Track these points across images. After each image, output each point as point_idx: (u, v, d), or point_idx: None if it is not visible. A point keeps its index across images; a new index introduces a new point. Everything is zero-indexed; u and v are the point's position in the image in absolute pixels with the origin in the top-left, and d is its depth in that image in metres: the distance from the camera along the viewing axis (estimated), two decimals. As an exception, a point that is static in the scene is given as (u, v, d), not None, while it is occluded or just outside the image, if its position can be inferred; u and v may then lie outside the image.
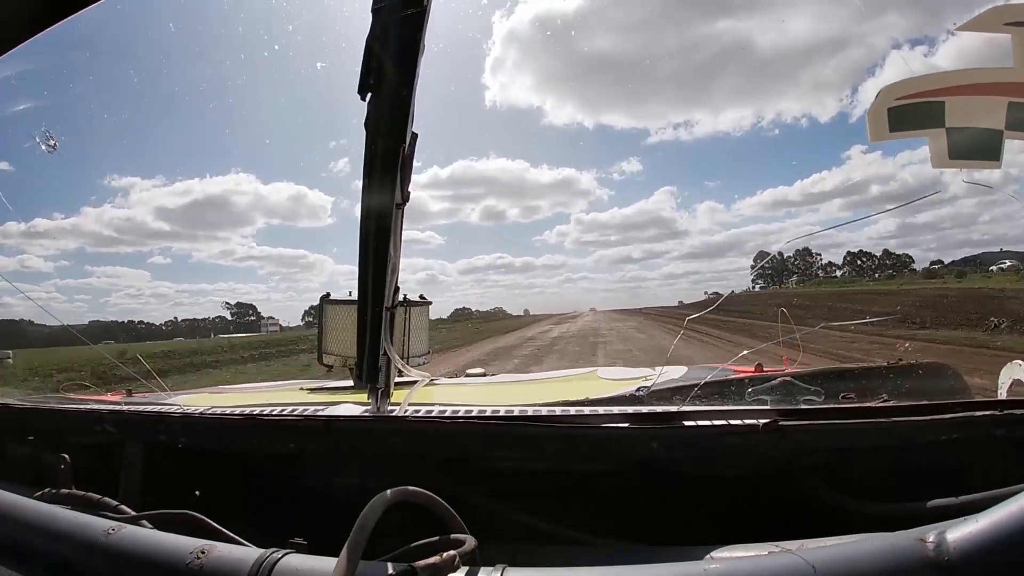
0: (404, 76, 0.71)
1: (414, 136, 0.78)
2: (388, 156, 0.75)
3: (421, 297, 1.16)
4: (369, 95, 0.74)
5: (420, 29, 0.71)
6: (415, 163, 0.79)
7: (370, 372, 0.88)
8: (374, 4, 0.70)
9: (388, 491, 0.58)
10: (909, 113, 1.03)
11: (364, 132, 0.76)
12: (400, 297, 0.86)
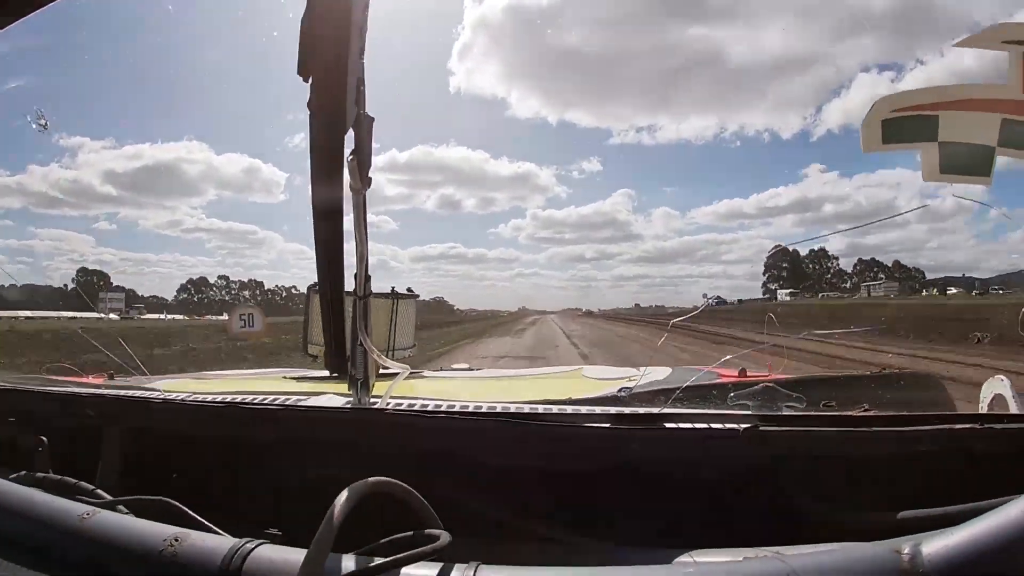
0: (341, 57, 0.68)
1: (369, 119, 0.75)
2: (330, 139, 0.73)
3: (408, 290, 1.16)
4: (311, 77, 0.70)
5: (358, 9, 0.68)
6: (374, 145, 0.76)
7: (336, 361, 0.87)
8: None
9: (358, 483, 0.58)
10: (903, 126, 1.04)
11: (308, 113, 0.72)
12: (387, 290, 0.85)
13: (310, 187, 0.76)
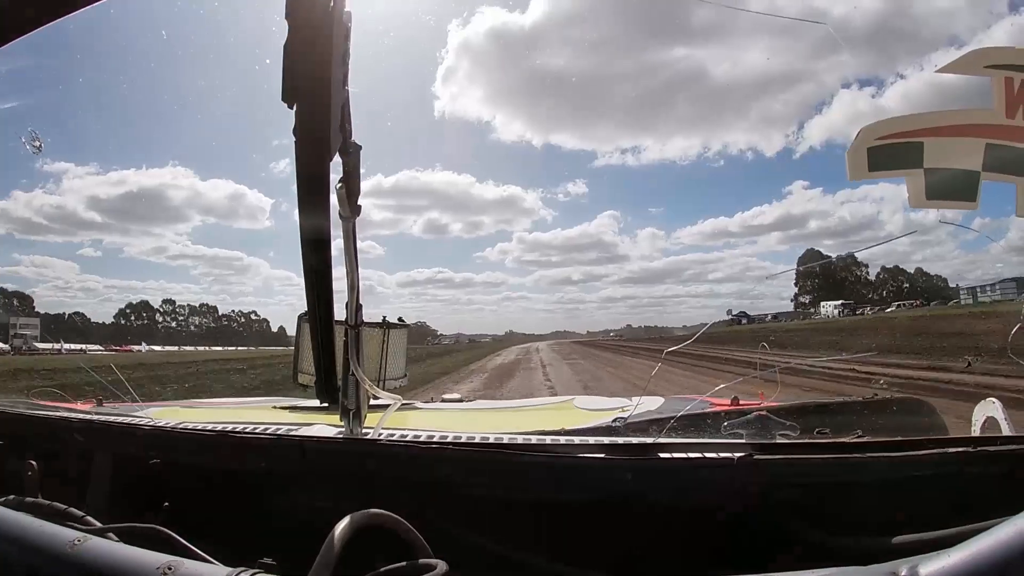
0: (324, 84, 0.68)
1: (356, 146, 0.76)
2: (316, 166, 0.72)
3: (399, 320, 1.15)
4: (296, 104, 0.70)
5: (340, 36, 0.68)
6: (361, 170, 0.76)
7: (326, 391, 0.86)
8: (286, 10, 0.66)
9: (352, 514, 0.57)
10: (888, 153, 1.05)
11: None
12: (379, 319, 0.85)
13: (297, 215, 0.76)
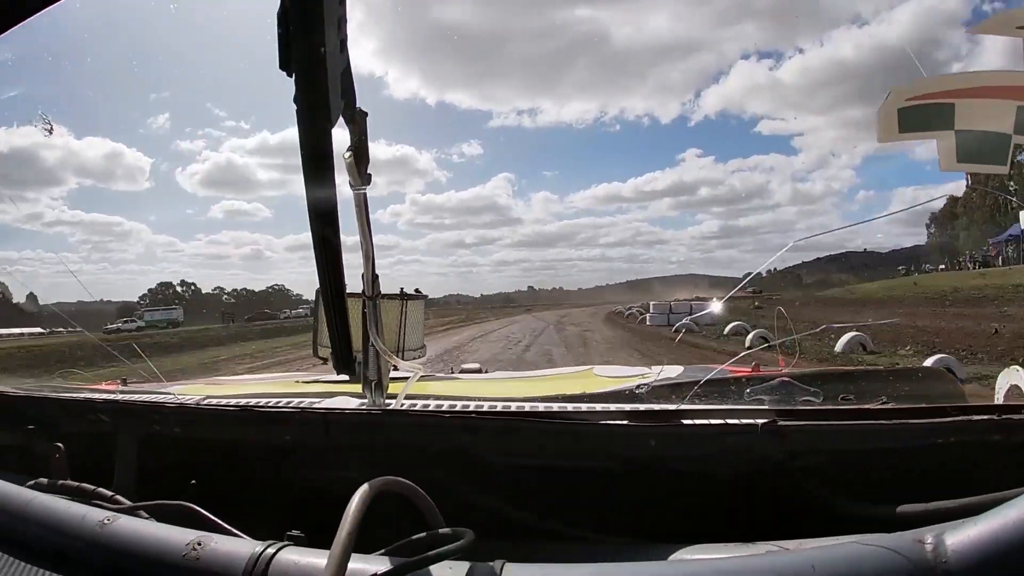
0: (319, 49, 0.67)
1: (362, 114, 0.75)
2: (317, 134, 0.71)
3: (416, 291, 1.16)
4: (294, 72, 0.69)
5: (333, 1, 0.66)
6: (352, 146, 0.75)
7: (342, 364, 0.87)
8: None
9: (372, 481, 0.58)
10: (919, 114, 1.03)
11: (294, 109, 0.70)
12: (396, 290, 0.85)
13: (304, 186, 0.75)
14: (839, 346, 11.75)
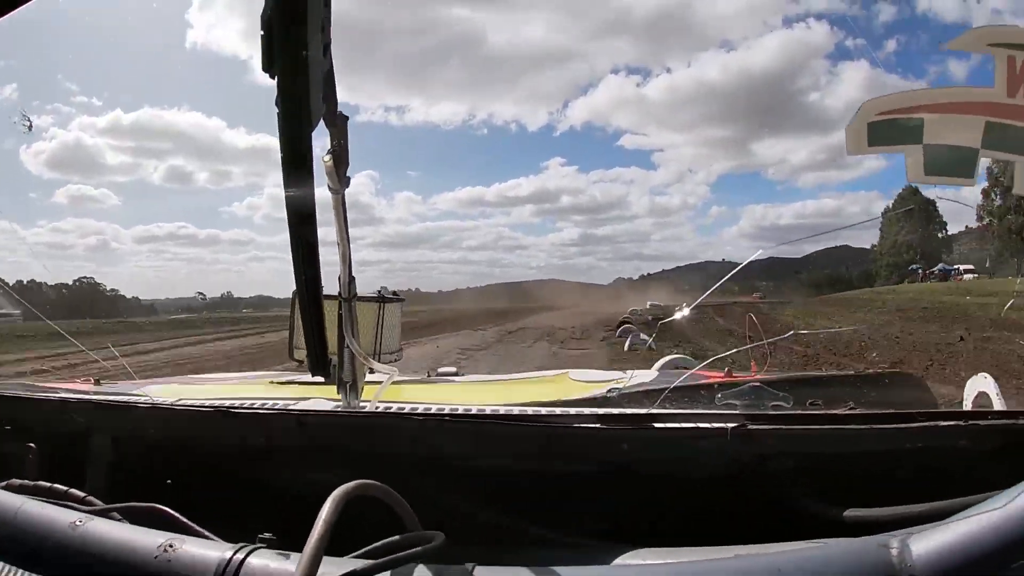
0: (301, 51, 0.67)
1: (343, 118, 0.75)
2: (297, 136, 0.71)
3: (394, 293, 1.16)
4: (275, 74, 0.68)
5: (317, 3, 0.66)
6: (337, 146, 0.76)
7: (317, 365, 0.87)
8: None
9: (344, 486, 0.58)
10: (888, 128, 1.06)
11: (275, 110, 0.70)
12: (375, 292, 0.85)
13: (283, 187, 0.75)
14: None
